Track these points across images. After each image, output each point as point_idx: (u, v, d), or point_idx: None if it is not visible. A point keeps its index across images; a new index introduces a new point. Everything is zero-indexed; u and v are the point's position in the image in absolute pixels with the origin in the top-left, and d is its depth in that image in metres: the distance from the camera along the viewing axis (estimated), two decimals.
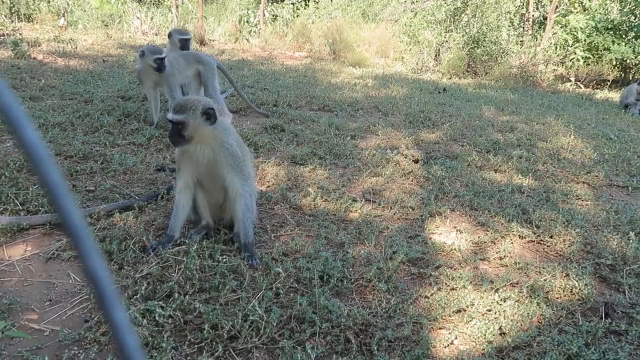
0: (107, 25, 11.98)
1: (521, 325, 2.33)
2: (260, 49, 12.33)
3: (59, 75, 6.31)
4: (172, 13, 13.06)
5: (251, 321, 2.08)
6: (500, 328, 2.27)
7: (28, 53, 7.21)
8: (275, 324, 2.09)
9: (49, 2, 12.00)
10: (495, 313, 2.39)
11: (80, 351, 1.90)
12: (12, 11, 11.49)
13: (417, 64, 11.69)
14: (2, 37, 8.10)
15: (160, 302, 2.12)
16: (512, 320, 2.35)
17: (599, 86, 12.64)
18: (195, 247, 2.54)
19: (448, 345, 2.17)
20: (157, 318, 2.04)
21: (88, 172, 3.50)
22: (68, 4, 11.50)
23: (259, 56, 11.16)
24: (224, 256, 2.55)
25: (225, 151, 2.57)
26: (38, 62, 7.03)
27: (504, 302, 2.48)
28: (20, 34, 8.03)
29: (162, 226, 2.85)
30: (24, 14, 11.67)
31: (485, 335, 2.22)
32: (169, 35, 5.32)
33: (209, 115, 2.48)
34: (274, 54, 11.85)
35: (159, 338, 1.95)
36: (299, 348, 2.00)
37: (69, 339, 1.95)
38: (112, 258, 2.50)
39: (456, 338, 2.22)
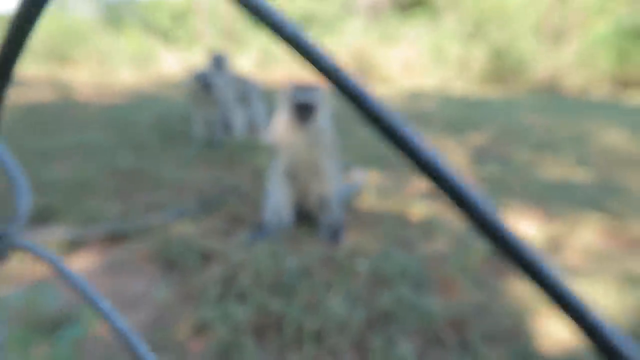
0: (140, 65, 12.32)
1: (626, 314, 2.10)
2: (284, 76, 12.46)
3: (101, 108, 6.42)
4: (199, 51, 13.40)
5: (336, 320, 1.91)
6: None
7: (71, 93, 7.42)
8: (360, 322, 1.92)
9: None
10: (592, 303, 2.17)
11: (157, 355, 1.76)
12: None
13: (441, 79, 11.60)
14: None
15: (235, 304, 1.98)
16: (615, 309, 2.12)
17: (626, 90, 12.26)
18: (263, 248, 2.40)
19: (552, 337, 1.95)
20: (233, 320, 1.88)
21: (140, 188, 3.44)
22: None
23: (283, 82, 11.24)
24: (292, 256, 2.41)
25: (322, 135, 2.64)
26: (80, 100, 7.19)
27: (600, 292, 2.26)
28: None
29: (223, 231, 2.73)
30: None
31: None
32: (211, 59, 5.31)
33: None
34: (298, 79, 11.95)
35: (239, 340, 1.79)
36: (392, 345, 1.82)
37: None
38: (175, 265, 2.39)
39: (561, 332, 2.00)
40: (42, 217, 2.90)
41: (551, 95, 10.78)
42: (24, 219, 0.27)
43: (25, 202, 0.28)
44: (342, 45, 13.40)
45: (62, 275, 0.30)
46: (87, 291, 0.29)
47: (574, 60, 12.11)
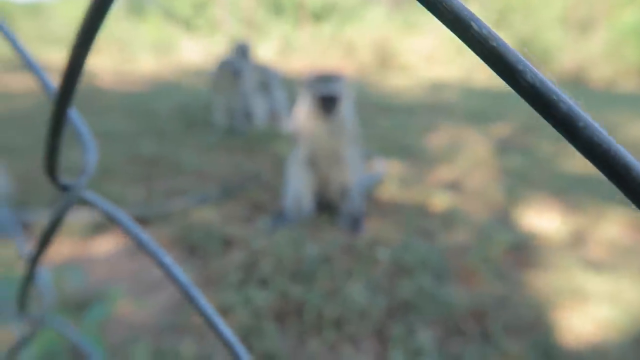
0: (160, 52, 12.42)
1: None
2: (305, 64, 12.43)
3: (123, 94, 6.50)
4: (219, 39, 13.44)
5: (356, 307, 1.91)
6: (629, 313, 2.01)
7: (93, 79, 7.53)
8: (380, 311, 1.92)
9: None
10: (617, 298, 2.13)
11: (179, 338, 1.79)
12: None
13: (464, 69, 11.43)
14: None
15: (255, 289, 2.00)
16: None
17: None
18: (283, 235, 2.42)
19: (574, 330, 1.93)
20: (254, 305, 1.90)
21: (161, 174, 3.48)
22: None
23: (304, 71, 11.22)
24: (312, 244, 2.41)
25: (346, 124, 2.64)
26: (102, 86, 7.29)
27: (626, 286, 2.21)
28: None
29: (243, 218, 2.75)
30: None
31: (614, 321, 1.96)
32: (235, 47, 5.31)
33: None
34: (319, 67, 11.90)
35: (260, 324, 1.81)
36: (412, 335, 1.82)
37: (165, 327, 1.85)
38: (196, 250, 2.42)
39: (581, 324, 1.97)
40: None
41: (577, 87, 10.54)
42: (90, 174, 0.28)
43: (92, 158, 0.28)
44: (363, 34, 13.30)
45: (125, 228, 0.30)
46: (149, 245, 0.29)
47: (601, 51, 11.81)
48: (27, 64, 0.33)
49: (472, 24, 0.14)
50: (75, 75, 0.23)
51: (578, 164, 4.08)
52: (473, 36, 0.14)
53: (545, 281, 2.26)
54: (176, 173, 3.51)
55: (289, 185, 2.78)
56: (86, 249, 2.45)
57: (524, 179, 3.60)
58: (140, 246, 0.30)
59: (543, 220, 2.95)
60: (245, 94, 4.69)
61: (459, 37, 0.14)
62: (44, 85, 0.32)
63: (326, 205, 2.87)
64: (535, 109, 0.15)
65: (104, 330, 1.82)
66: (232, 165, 3.73)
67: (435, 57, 12.38)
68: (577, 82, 10.93)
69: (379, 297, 2.00)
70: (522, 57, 0.14)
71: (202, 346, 1.73)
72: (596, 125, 0.15)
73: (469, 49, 0.15)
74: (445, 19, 0.14)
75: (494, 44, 0.14)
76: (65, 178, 0.30)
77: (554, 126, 0.15)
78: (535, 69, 0.14)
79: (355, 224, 2.66)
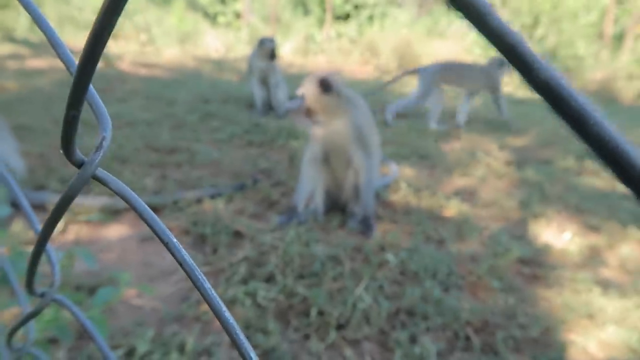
0: (183, 42, 12.55)
1: None
2: (327, 63, 12.43)
3: (143, 81, 6.56)
4: (242, 33, 13.50)
5: (361, 310, 1.90)
6: None
7: (115, 64, 7.61)
8: (385, 315, 1.91)
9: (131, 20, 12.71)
10: (630, 319, 2.09)
11: (182, 328, 1.80)
12: None
13: None
14: None
15: (261, 284, 2.00)
16: None
17: None
18: (292, 233, 2.42)
19: (584, 351, 1.89)
20: (259, 300, 1.91)
21: (176, 164, 3.51)
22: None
23: (327, 69, 11.21)
24: (320, 243, 2.41)
25: (351, 124, 2.61)
26: (123, 72, 7.37)
27: (634, 305, 2.17)
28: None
29: (254, 213, 2.76)
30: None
31: (626, 342, 1.92)
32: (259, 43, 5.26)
33: (326, 86, 2.53)
34: (341, 68, 11.88)
35: (263, 320, 1.81)
36: (415, 341, 1.80)
37: (170, 316, 1.86)
38: (205, 241, 2.43)
39: (592, 344, 1.94)
40: None
41: (605, 100, 10.33)
42: (105, 150, 0.28)
43: (107, 136, 0.29)
44: (385, 37, 13.25)
45: (135, 208, 0.30)
46: (156, 225, 0.29)
47: (631, 65, 11.58)
48: (50, 39, 0.33)
49: (493, 19, 0.14)
50: (99, 45, 0.23)
51: (597, 182, 4.01)
52: (493, 31, 0.14)
53: (555, 297, 2.23)
54: (190, 164, 3.53)
55: (301, 183, 2.78)
56: (98, 234, 2.49)
57: (541, 193, 3.55)
58: (150, 227, 0.30)
59: (557, 235, 2.91)
60: (271, 86, 5.13)
61: (480, 31, 0.14)
62: (65, 59, 0.32)
63: (338, 206, 2.87)
64: (549, 104, 0.15)
65: (110, 314, 1.84)
66: (248, 159, 3.75)
67: None
68: (605, 95, 10.70)
69: (384, 301, 1.99)
70: (538, 56, 0.14)
71: (205, 338, 1.74)
72: (606, 122, 0.15)
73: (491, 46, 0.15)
74: (467, 13, 0.14)
75: (512, 41, 0.14)
76: (81, 155, 0.30)
77: (566, 122, 0.15)
78: (550, 66, 0.14)
79: (365, 226, 2.65)
